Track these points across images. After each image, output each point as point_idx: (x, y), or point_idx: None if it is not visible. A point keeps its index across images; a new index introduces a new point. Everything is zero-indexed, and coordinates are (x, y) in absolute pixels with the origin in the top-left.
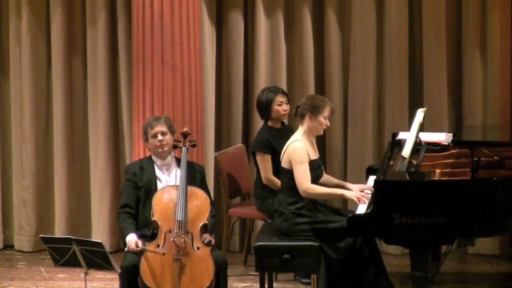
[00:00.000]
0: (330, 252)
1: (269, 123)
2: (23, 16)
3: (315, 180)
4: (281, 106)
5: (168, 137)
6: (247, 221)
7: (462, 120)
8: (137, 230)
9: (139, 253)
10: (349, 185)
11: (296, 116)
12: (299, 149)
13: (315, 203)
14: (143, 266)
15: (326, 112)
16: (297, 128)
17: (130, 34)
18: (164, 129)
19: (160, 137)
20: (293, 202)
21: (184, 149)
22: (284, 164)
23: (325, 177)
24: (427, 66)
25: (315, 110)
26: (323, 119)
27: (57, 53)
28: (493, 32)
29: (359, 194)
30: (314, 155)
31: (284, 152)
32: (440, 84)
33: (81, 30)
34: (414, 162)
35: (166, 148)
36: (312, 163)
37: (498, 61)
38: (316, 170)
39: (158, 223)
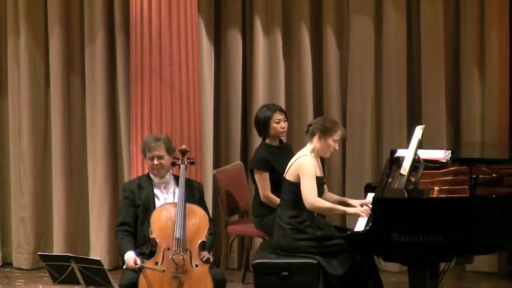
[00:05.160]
0: (329, 268)
1: (267, 141)
2: (21, 34)
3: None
4: (279, 124)
5: (165, 160)
6: (246, 238)
7: (461, 138)
8: (136, 247)
9: (138, 271)
10: (350, 200)
11: (307, 134)
12: (308, 163)
13: (314, 219)
14: (142, 284)
15: (336, 136)
16: (295, 146)
17: (128, 52)
18: (162, 153)
19: (156, 161)
20: (294, 216)
21: (182, 166)
22: (289, 176)
23: (327, 195)
24: (426, 84)
25: (325, 131)
26: (332, 142)
27: (55, 71)
28: (491, 50)
29: (361, 209)
30: (319, 173)
31: (291, 165)
32: (438, 101)
33: (79, 48)
34: (413, 179)
35: (162, 171)
36: (317, 180)
37: (496, 78)
38: (320, 187)
39: (157, 241)
